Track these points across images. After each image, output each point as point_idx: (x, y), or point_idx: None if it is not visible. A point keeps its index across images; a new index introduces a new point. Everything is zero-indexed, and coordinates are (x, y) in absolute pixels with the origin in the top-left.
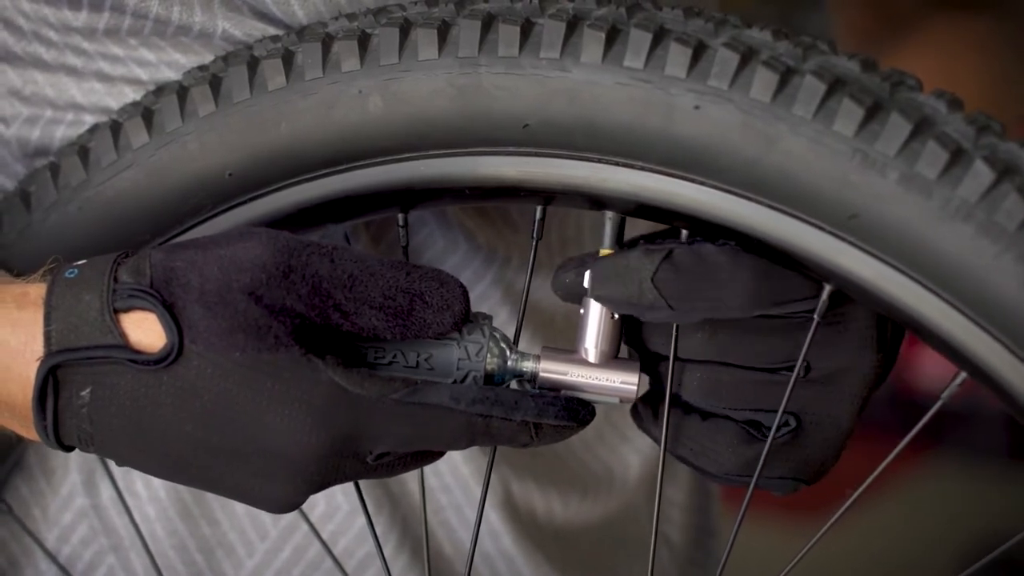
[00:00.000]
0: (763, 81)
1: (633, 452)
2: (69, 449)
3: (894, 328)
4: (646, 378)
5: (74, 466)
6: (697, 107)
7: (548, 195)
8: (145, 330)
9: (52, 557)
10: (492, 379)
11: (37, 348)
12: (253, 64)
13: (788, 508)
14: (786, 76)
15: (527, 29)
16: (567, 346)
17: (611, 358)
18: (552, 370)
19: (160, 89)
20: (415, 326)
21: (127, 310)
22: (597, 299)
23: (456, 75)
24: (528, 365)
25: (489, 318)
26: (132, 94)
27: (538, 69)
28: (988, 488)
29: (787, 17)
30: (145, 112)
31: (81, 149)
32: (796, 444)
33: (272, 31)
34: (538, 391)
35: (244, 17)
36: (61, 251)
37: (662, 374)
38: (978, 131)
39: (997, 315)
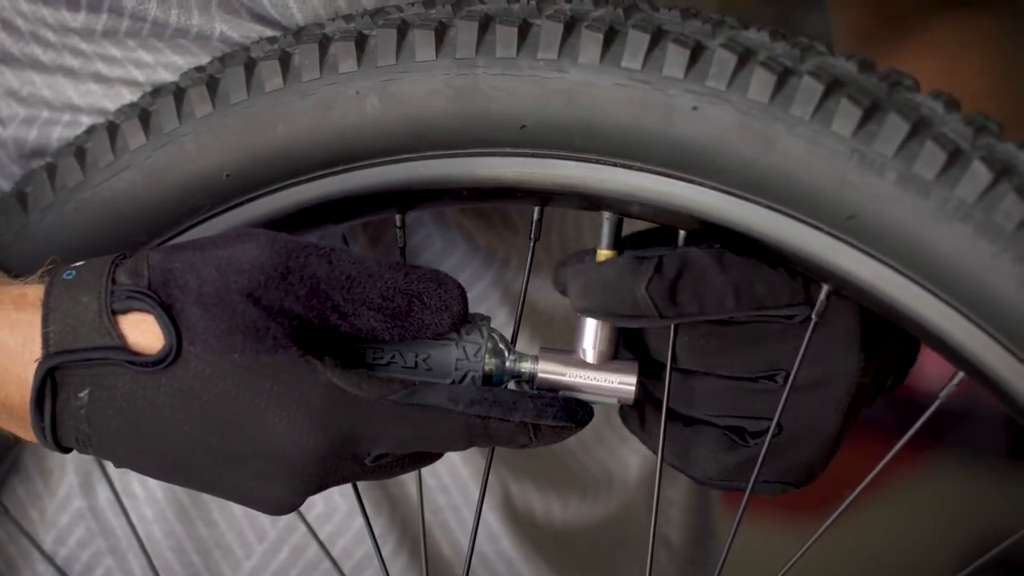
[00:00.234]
0: (761, 82)
1: (632, 453)
2: (67, 451)
3: (908, 339)
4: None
5: (71, 468)
6: (695, 108)
7: (545, 196)
8: (143, 331)
9: (49, 559)
10: (490, 380)
11: (35, 349)
12: (250, 65)
13: (787, 508)
14: (784, 77)
15: (524, 30)
16: (565, 347)
17: (609, 359)
18: (550, 371)
19: (157, 90)
20: (413, 327)
21: (125, 311)
22: (582, 311)
23: (453, 76)
24: (526, 366)
25: (487, 319)
26: (129, 95)
27: (536, 70)
28: (988, 488)
29: (786, 17)
30: (142, 113)
31: (78, 150)
32: (779, 450)
33: (269, 33)
34: (536, 392)
35: (241, 19)
36: (58, 252)
37: (659, 380)
38: (976, 131)
39: (995, 315)
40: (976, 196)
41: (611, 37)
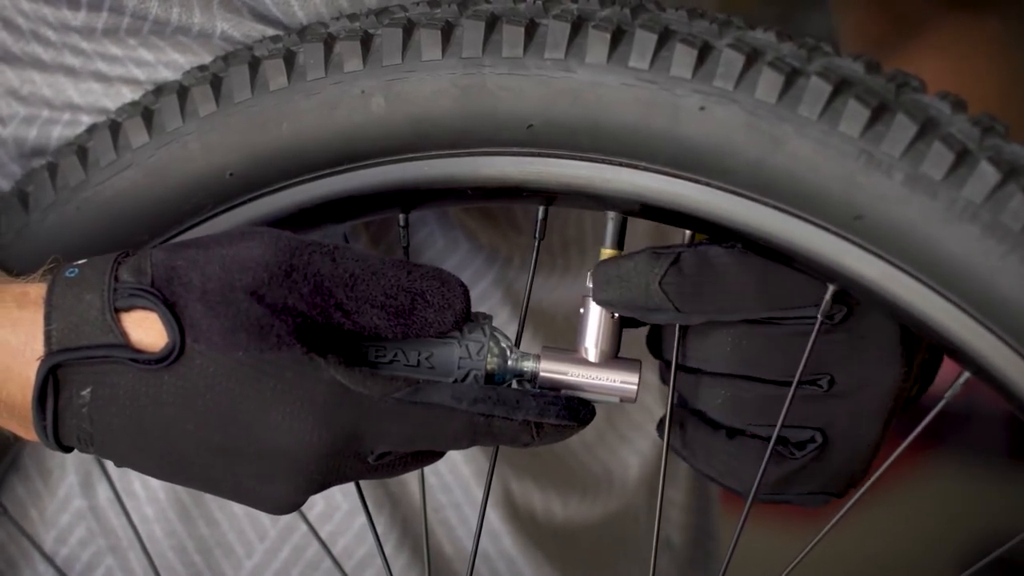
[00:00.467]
0: (768, 82)
1: (633, 453)
2: (68, 450)
3: (932, 348)
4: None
5: (71, 467)
6: (702, 108)
7: (551, 195)
8: (146, 329)
9: (49, 559)
10: (493, 378)
11: (37, 348)
12: (254, 64)
13: (788, 509)
14: (791, 77)
15: (531, 30)
16: (568, 346)
17: (611, 358)
18: (552, 370)
19: (160, 89)
20: (416, 325)
21: (128, 309)
22: (600, 303)
23: (460, 76)
24: (528, 365)
25: (489, 318)
26: (129, 94)
27: (542, 70)
28: (988, 488)
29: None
30: (145, 112)
31: (80, 149)
32: (823, 460)
33: (270, 32)
34: (539, 391)
35: (243, 19)
36: (59, 251)
37: (687, 385)
38: (983, 132)
39: (1003, 315)
40: (984, 196)
41: (618, 37)
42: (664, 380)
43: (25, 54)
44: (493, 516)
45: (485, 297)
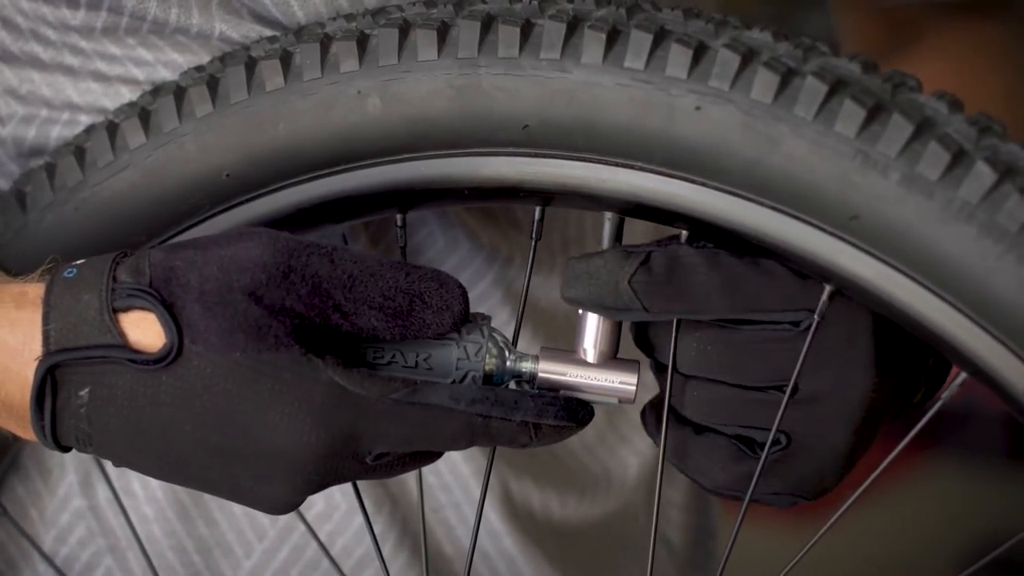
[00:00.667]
0: (764, 82)
1: (632, 454)
2: (66, 450)
3: (938, 357)
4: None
5: (71, 467)
6: (698, 108)
7: (548, 196)
8: (144, 330)
9: (48, 559)
10: (491, 379)
11: (35, 348)
12: (251, 65)
13: (787, 509)
14: (787, 77)
15: (527, 30)
16: (568, 346)
17: (610, 358)
18: (551, 370)
19: (157, 89)
20: (414, 326)
21: (126, 310)
22: (568, 300)
23: (455, 76)
24: (527, 365)
25: (488, 318)
26: (128, 94)
27: (538, 70)
28: (987, 488)
29: (786, 17)
30: (142, 112)
31: (77, 149)
32: (787, 463)
33: (269, 33)
34: (537, 391)
35: (242, 19)
36: (57, 252)
37: (663, 381)
38: (980, 132)
39: (999, 316)
40: (980, 197)
41: (614, 37)
42: (655, 375)
43: (24, 53)
44: (493, 516)
45: (485, 297)
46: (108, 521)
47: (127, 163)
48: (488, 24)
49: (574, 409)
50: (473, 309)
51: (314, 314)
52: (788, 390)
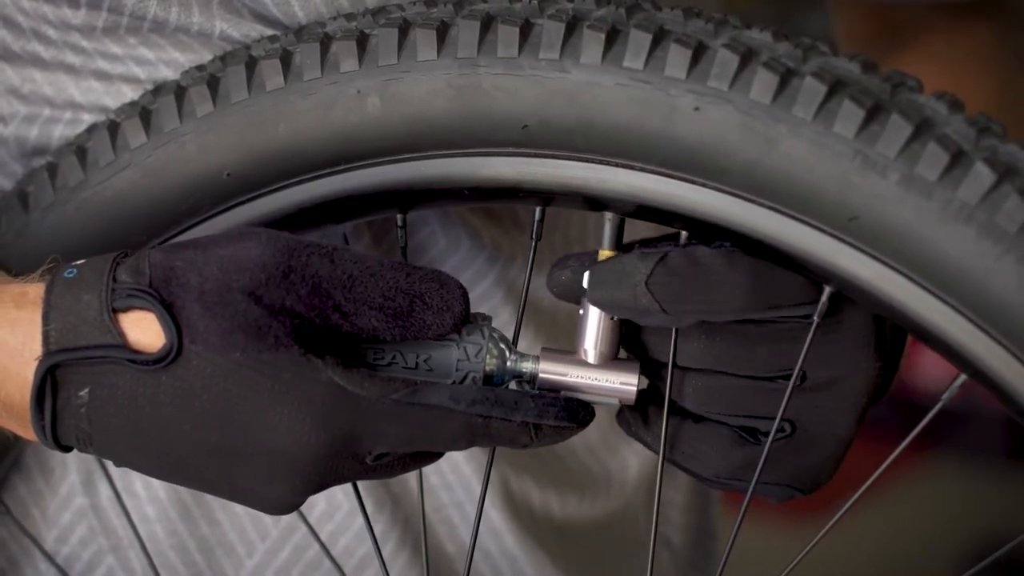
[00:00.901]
0: (763, 82)
1: (632, 454)
2: (67, 449)
3: (894, 337)
4: (645, 380)
5: (73, 466)
6: (697, 108)
7: (547, 196)
8: (144, 330)
9: (50, 558)
10: (491, 380)
11: (36, 348)
12: (251, 64)
13: (788, 509)
14: (786, 77)
15: (526, 30)
16: (568, 347)
17: (610, 359)
18: (551, 371)
19: (158, 89)
20: (415, 327)
21: (126, 310)
22: (594, 303)
23: (455, 76)
24: (527, 366)
25: (488, 319)
26: (130, 93)
27: (537, 70)
28: (988, 488)
29: (786, 18)
30: (143, 112)
31: (79, 149)
32: (791, 450)
33: (269, 32)
34: (537, 392)
35: (242, 19)
36: (58, 251)
37: (661, 380)
38: (979, 133)
39: (998, 317)
40: (979, 197)
41: (613, 37)
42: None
43: (26, 52)
44: (495, 515)
45: (486, 297)
46: (110, 520)
47: (128, 163)
48: (487, 24)
49: (574, 410)
50: (474, 309)
51: (314, 314)
52: (793, 376)
